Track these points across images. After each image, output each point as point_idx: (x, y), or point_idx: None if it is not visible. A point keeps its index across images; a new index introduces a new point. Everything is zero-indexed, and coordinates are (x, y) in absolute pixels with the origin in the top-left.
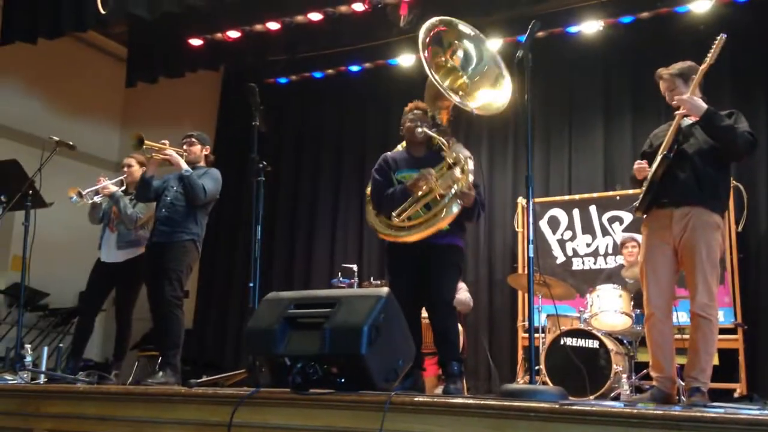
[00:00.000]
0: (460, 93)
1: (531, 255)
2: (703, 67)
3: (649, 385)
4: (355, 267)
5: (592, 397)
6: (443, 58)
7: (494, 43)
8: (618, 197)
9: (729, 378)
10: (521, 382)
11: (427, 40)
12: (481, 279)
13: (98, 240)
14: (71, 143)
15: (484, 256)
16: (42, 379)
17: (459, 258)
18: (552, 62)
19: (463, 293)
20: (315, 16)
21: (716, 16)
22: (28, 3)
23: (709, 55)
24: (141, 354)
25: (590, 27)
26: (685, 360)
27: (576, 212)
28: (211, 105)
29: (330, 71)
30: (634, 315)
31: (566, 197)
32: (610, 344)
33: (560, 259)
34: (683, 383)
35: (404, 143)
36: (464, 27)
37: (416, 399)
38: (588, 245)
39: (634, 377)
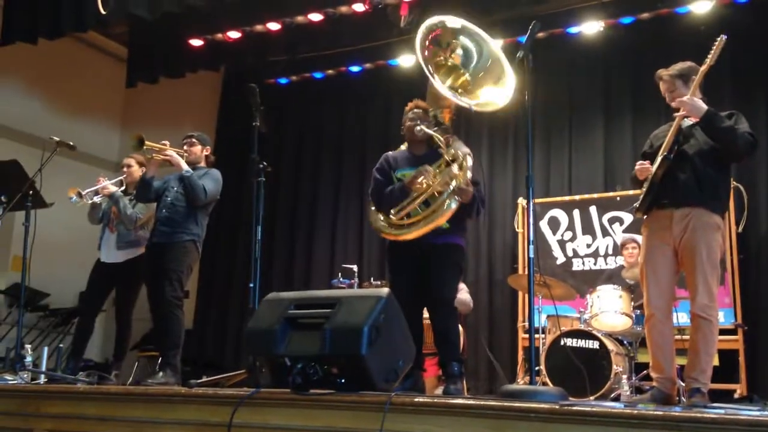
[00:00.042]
0: (460, 90)
1: (531, 255)
2: (704, 68)
3: (649, 386)
4: (355, 267)
5: (592, 398)
6: (442, 57)
7: (494, 43)
8: (618, 198)
9: (729, 379)
10: (521, 383)
11: (427, 43)
12: (481, 279)
13: (98, 240)
14: (71, 143)
15: (485, 256)
16: (42, 379)
17: (460, 257)
18: (552, 63)
19: (463, 294)
20: (315, 17)
21: (717, 16)
22: (29, 3)
23: (710, 56)
24: (141, 354)
25: (590, 28)
26: (685, 361)
27: (576, 213)
28: (211, 105)
29: (330, 72)
30: (634, 316)
31: (566, 198)
32: (610, 345)
33: (560, 259)
34: (683, 384)
35: (406, 143)
36: (456, 23)
37: (416, 399)
38: (588, 246)
39: (634, 378)
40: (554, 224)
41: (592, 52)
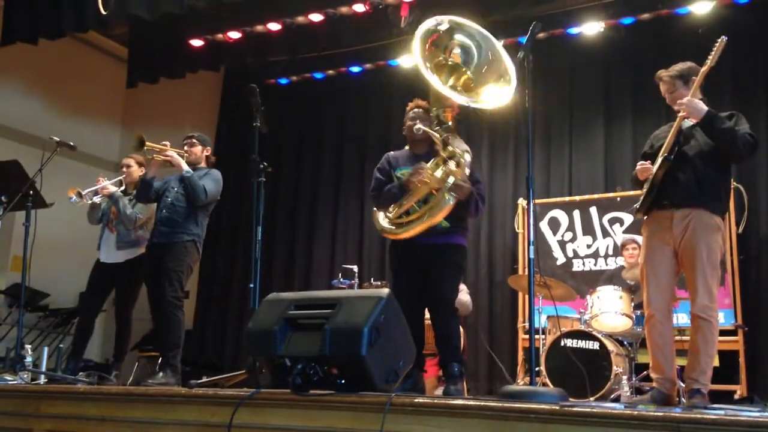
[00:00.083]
0: (459, 88)
1: (531, 256)
2: (704, 69)
3: (649, 387)
4: (355, 268)
5: (592, 399)
6: (442, 57)
7: (492, 38)
8: (618, 199)
9: (729, 380)
10: (521, 384)
11: (426, 47)
12: (481, 280)
13: (97, 240)
14: (72, 144)
15: (485, 257)
16: (42, 379)
17: (461, 257)
18: (553, 64)
19: (463, 295)
20: (316, 17)
21: (717, 17)
22: (29, 3)
23: (710, 57)
24: (141, 354)
25: (591, 28)
26: (685, 362)
27: (576, 213)
28: (211, 106)
29: (330, 72)
30: (634, 316)
31: (567, 198)
32: (610, 346)
33: (561, 260)
34: (683, 385)
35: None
36: (448, 23)
37: (416, 400)
38: (588, 246)
39: (634, 379)
40: (554, 225)
41: (593, 52)
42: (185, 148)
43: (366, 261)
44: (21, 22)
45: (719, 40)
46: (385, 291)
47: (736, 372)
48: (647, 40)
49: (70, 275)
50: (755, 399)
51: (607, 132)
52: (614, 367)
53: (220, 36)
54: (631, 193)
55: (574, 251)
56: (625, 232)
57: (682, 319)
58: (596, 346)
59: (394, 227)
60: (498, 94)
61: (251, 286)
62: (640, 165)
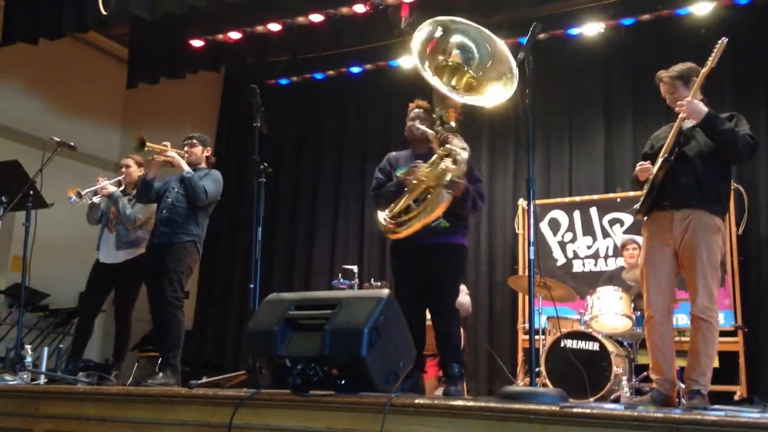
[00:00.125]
0: (458, 87)
1: (531, 257)
2: (704, 70)
3: (649, 388)
4: (355, 268)
5: (592, 400)
6: (441, 58)
7: (491, 34)
8: (619, 199)
9: (729, 381)
10: (521, 384)
11: (426, 52)
12: (481, 281)
13: (97, 241)
14: (72, 144)
15: (485, 257)
16: (42, 379)
17: (461, 258)
18: (553, 64)
19: (463, 296)
20: (316, 18)
21: (717, 18)
22: (30, 3)
23: (710, 58)
24: (141, 355)
25: (591, 29)
26: (685, 363)
27: (576, 214)
28: (212, 106)
29: (331, 72)
30: (634, 317)
31: (567, 199)
32: (610, 346)
33: (561, 261)
34: (683, 386)
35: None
36: (441, 26)
37: (416, 401)
38: (588, 247)
39: (634, 379)
40: (554, 225)
41: (593, 53)
42: (185, 148)
43: (366, 261)
44: (21, 22)
45: (720, 41)
46: (386, 291)
47: (736, 373)
48: (647, 40)
49: (70, 275)
50: (755, 400)
51: (607, 133)
52: (614, 368)
53: (220, 36)
54: (631, 193)
55: (574, 252)
56: (625, 232)
57: (682, 320)
58: (596, 346)
59: (393, 226)
60: (502, 91)
61: (251, 286)
62: (640, 165)
